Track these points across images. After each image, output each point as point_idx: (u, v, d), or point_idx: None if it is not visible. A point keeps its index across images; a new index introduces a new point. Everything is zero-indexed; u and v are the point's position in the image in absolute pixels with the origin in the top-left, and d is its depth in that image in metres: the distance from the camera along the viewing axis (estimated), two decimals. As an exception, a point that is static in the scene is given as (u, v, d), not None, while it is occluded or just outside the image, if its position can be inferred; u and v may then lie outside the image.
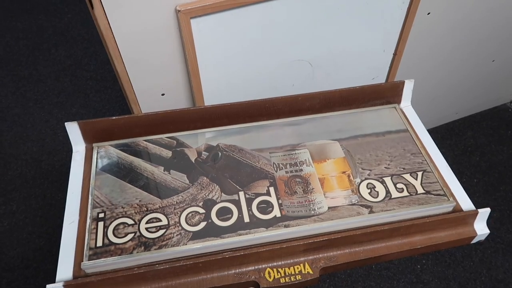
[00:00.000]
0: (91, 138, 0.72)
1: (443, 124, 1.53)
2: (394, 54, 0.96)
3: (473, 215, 0.62)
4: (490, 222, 1.28)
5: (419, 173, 0.68)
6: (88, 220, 0.61)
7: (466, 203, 0.65)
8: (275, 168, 0.68)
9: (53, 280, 0.55)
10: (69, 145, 0.70)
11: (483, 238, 0.65)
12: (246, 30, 0.77)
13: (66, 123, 0.71)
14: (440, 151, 1.51)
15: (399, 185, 0.66)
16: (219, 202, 0.64)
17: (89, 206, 0.63)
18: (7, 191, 1.35)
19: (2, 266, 1.19)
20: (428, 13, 0.95)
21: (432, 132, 1.51)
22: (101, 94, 1.64)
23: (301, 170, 0.68)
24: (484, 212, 0.62)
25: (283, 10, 0.77)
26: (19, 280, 1.17)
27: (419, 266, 1.21)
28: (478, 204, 1.40)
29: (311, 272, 0.59)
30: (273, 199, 0.64)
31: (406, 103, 0.81)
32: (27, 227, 1.27)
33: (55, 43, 1.85)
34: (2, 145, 1.47)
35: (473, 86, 1.38)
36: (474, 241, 0.65)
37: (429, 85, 1.26)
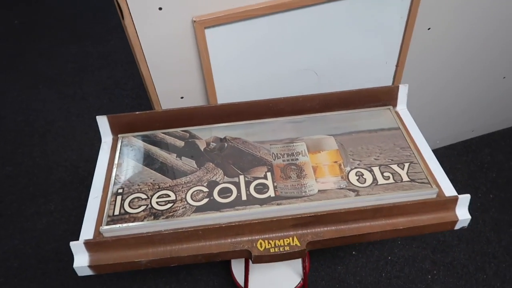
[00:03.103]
0: (117, 130, 0.83)
1: (460, 142, 1.55)
2: (396, 66, 1.03)
3: (453, 200, 0.67)
4: (506, 237, 1.28)
5: (406, 164, 0.74)
6: (109, 195, 0.71)
7: (450, 191, 0.70)
8: (274, 157, 0.76)
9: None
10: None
11: (466, 224, 0.69)
12: (255, 40, 0.88)
13: (97, 117, 0.83)
14: (456, 167, 1.53)
15: (386, 174, 0.72)
16: (221, 183, 0.72)
17: (111, 184, 0.73)
18: (48, 193, 1.49)
19: (39, 259, 1.31)
20: (429, 28, 1.02)
21: (449, 148, 1.54)
22: (135, 110, 1.78)
23: (297, 159, 0.76)
24: (464, 198, 0.67)
25: (289, 21, 0.87)
26: (52, 271, 1.28)
27: (429, 276, 1.22)
28: (494, 219, 1.41)
29: (298, 244, 0.65)
30: (269, 182, 0.72)
31: (402, 107, 0.88)
32: (62, 225, 1.40)
33: (98, 66, 2.05)
34: (47, 153, 1.64)
35: (487, 103, 1.40)
36: (457, 226, 0.69)
37: (439, 101, 1.30)
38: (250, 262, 1.01)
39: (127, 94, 1.88)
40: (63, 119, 1.78)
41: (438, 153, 1.53)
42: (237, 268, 1.10)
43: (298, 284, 1.02)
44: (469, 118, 1.46)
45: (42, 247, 1.34)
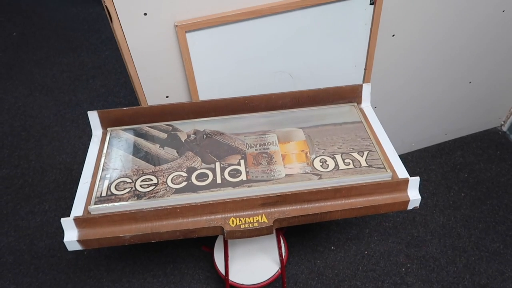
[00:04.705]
0: (106, 124, 0.91)
1: (434, 144, 1.63)
2: (365, 69, 1.12)
3: (404, 182, 0.75)
4: (476, 233, 1.35)
5: (365, 152, 0.82)
6: (98, 180, 0.79)
7: (403, 175, 0.78)
8: (247, 147, 0.84)
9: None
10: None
11: (417, 204, 0.77)
12: (233, 43, 0.97)
13: (88, 112, 0.91)
14: (430, 168, 1.61)
15: (347, 160, 0.80)
16: (199, 169, 0.80)
17: (100, 171, 0.81)
18: (42, 194, 1.56)
19: (32, 254, 1.37)
20: (393, 35, 1.12)
21: (424, 151, 1.62)
22: (128, 116, 1.87)
23: (268, 148, 0.84)
24: (414, 180, 0.75)
25: (263, 26, 0.96)
26: (45, 266, 1.34)
27: (403, 269, 1.29)
28: (465, 216, 1.49)
29: (266, 221, 0.73)
30: (242, 168, 0.80)
31: (366, 104, 0.96)
32: (55, 223, 1.46)
33: (93, 75, 2.14)
34: (42, 156, 1.71)
35: (457, 108, 1.50)
36: (409, 206, 0.77)
37: (413, 106, 1.39)
38: (229, 250, 1.08)
39: (119, 102, 1.96)
40: (58, 124, 1.86)
41: (414, 155, 1.62)
42: (220, 261, 1.16)
43: (276, 272, 1.09)
44: (442, 123, 1.55)
45: (36, 243, 1.40)
